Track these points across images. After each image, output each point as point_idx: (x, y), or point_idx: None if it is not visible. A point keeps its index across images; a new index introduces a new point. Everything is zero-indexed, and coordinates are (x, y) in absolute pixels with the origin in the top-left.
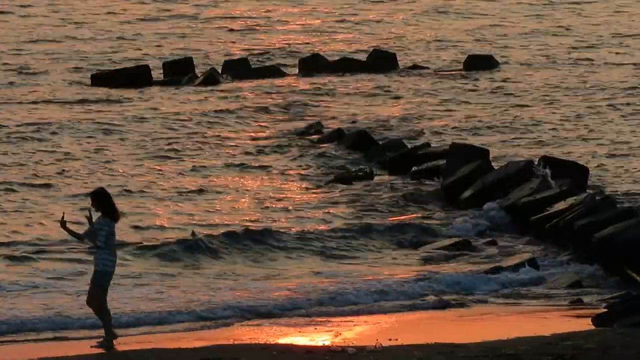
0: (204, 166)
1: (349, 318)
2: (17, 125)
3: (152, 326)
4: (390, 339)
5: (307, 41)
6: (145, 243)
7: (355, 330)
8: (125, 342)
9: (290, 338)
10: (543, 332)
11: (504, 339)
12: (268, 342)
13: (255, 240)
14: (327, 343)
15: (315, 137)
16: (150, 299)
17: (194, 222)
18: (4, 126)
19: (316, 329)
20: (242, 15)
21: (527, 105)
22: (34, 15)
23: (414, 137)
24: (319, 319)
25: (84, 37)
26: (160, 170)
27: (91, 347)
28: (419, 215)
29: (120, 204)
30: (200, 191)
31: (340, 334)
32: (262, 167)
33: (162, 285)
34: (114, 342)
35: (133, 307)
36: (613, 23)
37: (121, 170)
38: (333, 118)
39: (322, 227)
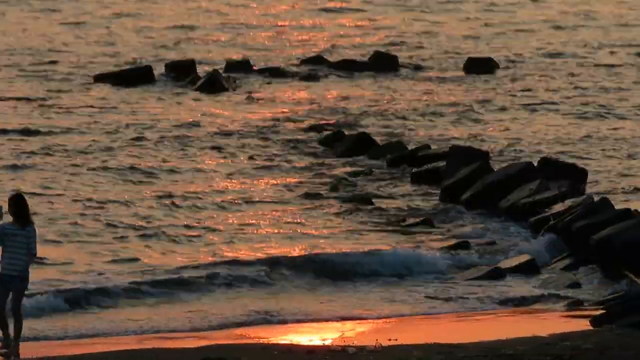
0: (206, 170)
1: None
2: (22, 129)
3: None
4: (390, 339)
5: (308, 41)
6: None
7: (356, 330)
8: (128, 341)
9: (290, 338)
10: (542, 333)
11: (503, 339)
12: (269, 342)
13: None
14: (327, 343)
15: (316, 138)
16: None
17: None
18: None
19: (316, 328)
20: (242, 15)
21: (527, 106)
22: (35, 16)
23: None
24: (319, 319)
25: (86, 36)
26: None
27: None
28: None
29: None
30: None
31: (340, 333)
32: (264, 169)
33: None
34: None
35: None
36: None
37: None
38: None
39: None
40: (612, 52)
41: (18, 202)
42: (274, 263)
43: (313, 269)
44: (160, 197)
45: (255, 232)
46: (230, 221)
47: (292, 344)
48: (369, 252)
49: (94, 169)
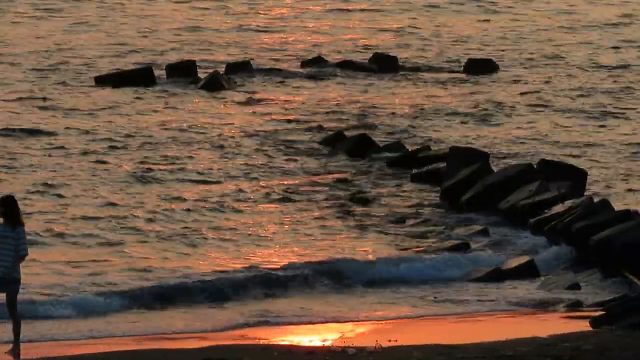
0: (203, 173)
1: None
2: (21, 130)
3: None
4: (389, 340)
5: (308, 43)
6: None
7: (356, 331)
8: (130, 342)
9: (291, 339)
10: (541, 334)
11: (502, 340)
12: (269, 343)
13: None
14: (327, 344)
15: (316, 139)
16: None
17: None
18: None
19: (316, 329)
20: (244, 18)
21: (527, 107)
22: (38, 17)
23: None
24: (320, 321)
25: (87, 39)
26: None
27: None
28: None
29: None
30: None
31: (341, 334)
32: (264, 170)
33: None
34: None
35: None
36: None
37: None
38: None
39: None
40: (615, 53)
41: (8, 203)
42: (273, 267)
43: (313, 273)
44: (160, 200)
45: (254, 234)
46: (230, 224)
47: (292, 345)
48: (371, 261)
49: (94, 170)
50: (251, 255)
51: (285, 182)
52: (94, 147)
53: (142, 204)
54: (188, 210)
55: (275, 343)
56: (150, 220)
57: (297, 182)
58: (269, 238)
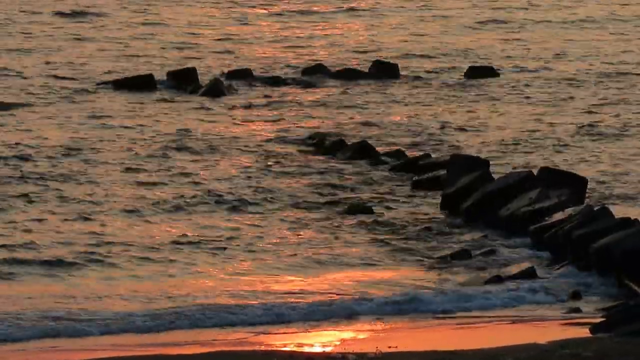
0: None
1: (349, 325)
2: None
3: None
4: (389, 347)
5: (309, 51)
6: None
7: (356, 337)
8: (131, 348)
9: (291, 345)
10: (541, 340)
11: (502, 346)
12: (269, 349)
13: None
14: (327, 350)
15: (316, 147)
16: None
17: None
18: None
19: (317, 335)
20: (244, 24)
21: (527, 114)
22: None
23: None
24: (320, 326)
25: (87, 44)
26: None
27: None
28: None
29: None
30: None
31: (341, 340)
32: (263, 179)
33: None
34: None
35: None
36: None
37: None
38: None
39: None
40: (620, 60)
41: None
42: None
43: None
44: (159, 211)
45: (251, 243)
46: (230, 234)
47: (292, 351)
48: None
49: (93, 175)
50: (247, 267)
51: (283, 191)
52: (93, 152)
53: (137, 211)
54: (186, 214)
55: (276, 349)
56: (143, 235)
57: (294, 190)
58: (262, 250)
